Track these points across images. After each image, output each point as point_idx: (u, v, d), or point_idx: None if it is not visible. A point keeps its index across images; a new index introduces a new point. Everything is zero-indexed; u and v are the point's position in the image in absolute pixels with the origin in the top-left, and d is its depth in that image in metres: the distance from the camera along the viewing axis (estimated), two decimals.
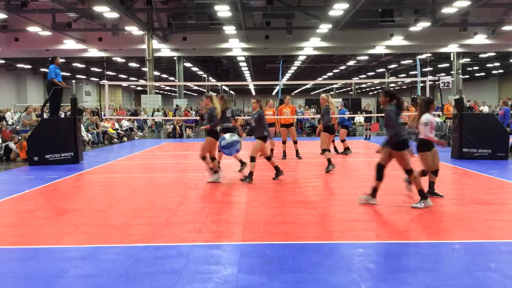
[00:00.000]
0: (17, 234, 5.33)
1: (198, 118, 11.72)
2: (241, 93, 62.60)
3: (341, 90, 61.39)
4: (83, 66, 38.34)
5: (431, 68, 42.55)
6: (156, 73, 38.32)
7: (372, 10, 23.00)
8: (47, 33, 23.33)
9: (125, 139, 19.99)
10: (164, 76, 45.35)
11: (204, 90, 46.38)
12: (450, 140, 12.00)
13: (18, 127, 15.79)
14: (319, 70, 46.12)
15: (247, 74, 43.61)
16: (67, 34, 24.70)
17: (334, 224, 5.67)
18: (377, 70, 45.07)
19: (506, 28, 23.61)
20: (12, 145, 12.93)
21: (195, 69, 38.98)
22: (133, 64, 38.26)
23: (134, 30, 23.35)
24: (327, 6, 19.43)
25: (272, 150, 12.55)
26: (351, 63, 38.77)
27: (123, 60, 35.64)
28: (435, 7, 21.07)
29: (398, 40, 26.29)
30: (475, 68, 43.98)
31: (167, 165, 11.80)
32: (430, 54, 33.35)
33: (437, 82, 13.80)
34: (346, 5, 18.37)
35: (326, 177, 9.31)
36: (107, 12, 19.41)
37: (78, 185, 9.03)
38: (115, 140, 19.09)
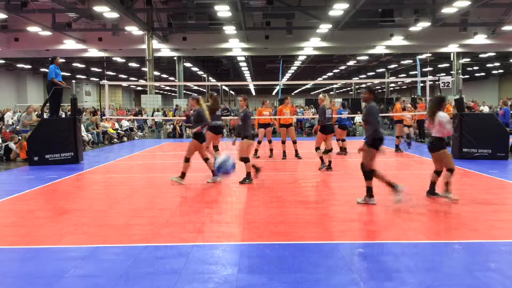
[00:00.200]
0: (17, 234, 5.33)
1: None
2: (241, 93, 62.34)
3: (341, 90, 61.40)
4: (83, 66, 38.34)
5: (431, 68, 42.56)
6: (156, 73, 38.33)
7: (372, 10, 23.00)
8: (47, 33, 23.34)
9: (125, 139, 19.98)
10: (164, 76, 45.36)
11: (204, 90, 46.40)
12: (450, 140, 12.02)
13: (18, 127, 15.78)
14: (319, 70, 46.13)
15: (247, 74, 43.61)
16: (67, 34, 24.70)
17: (334, 224, 5.67)
18: (377, 70, 45.09)
19: (506, 28, 23.61)
20: (12, 145, 12.93)
21: (195, 69, 38.99)
22: (133, 64, 38.27)
23: (134, 30, 23.36)
24: (327, 6, 19.43)
25: (271, 150, 12.56)
26: (351, 63, 38.78)
27: (123, 60, 35.64)
28: (435, 7, 21.07)
29: (398, 40, 26.29)
30: (475, 68, 44.00)
31: (167, 165, 11.80)
32: (430, 54, 33.36)
33: (437, 82, 13.80)
34: (346, 5, 18.37)
35: (326, 177, 9.31)
36: (107, 12, 19.42)
37: (78, 185, 9.03)
38: (115, 140, 19.09)
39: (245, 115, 8.44)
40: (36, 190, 8.11)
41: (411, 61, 35.91)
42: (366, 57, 35.28)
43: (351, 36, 26.02)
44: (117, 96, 49.19)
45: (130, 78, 48.38)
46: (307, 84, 57.87)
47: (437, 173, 6.94)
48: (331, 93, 52.37)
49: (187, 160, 8.39)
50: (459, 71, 29.65)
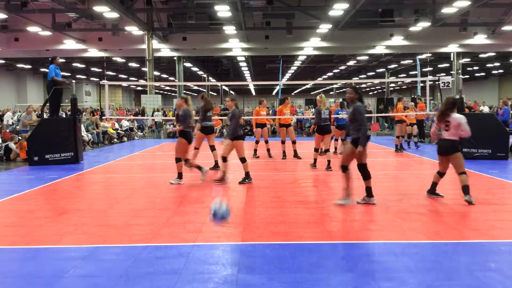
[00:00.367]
0: (17, 234, 5.33)
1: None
2: (241, 93, 62.58)
3: (341, 90, 61.34)
4: (83, 66, 38.34)
5: (431, 68, 42.56)
6: (156, 73, 38.32)
7: (372, 10, 23.00)
8: (47, 33, 23.33)
9: (125, 139, 19.98)
10: (164, 76, 45.35)
11: (204, 90, 46.39)
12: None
13: (18, 127, 15.79)
14: (319, 70, 46.12)
15: (247, 74, 43.60)
16: (67, 34, 24.70)
17: (334, 224, 5.66)
18: (377, 70, 45.07)
19: (506, 28, 23.61)
20: (12, 145, 12.93)
21: (195, 69, 38.99)
22: (133, 64, 38.26)
23: (134, 30, 23.36)
24: (327, 6, 19.43)
25: (268, 150, 12.58)
26: (351, 63, 38.77)
27: (123, 60, 35.64)
28: (435, 7, 21.07)
29: (398, 40, 26.28)
30: (475, 68, 44.00)
31: (167, 165, 11.78)
32: (430, 54, 33.35)
33: (437, 82, 13.80)
34: (346, 5, 18.37)
35: (326, 177, 9.31)
36: (107, 12, 19.41)
37: (78, 185, 9.03)
38: (115, 140, 19.09)
39: (232, 115, 8.36)
40: (36, 190, 8.11)
41: (411, 61, 35.89)
42: (366, 57, 35.27)
43: (351, 36, 26.01)
44: (117, 96, 49.18)
45: (130, 78, 48.36)
46: (307, 84, 57.83)
47: (440, 174, 6.91)
48: (331, 93, 52.42)
49: (178, 160, 8.45)
50: (459, 71, 29.65)
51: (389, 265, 4.21)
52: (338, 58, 36.82)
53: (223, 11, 19.49)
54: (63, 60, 24.33)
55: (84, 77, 45.34)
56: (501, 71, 45.45)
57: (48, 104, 12.95)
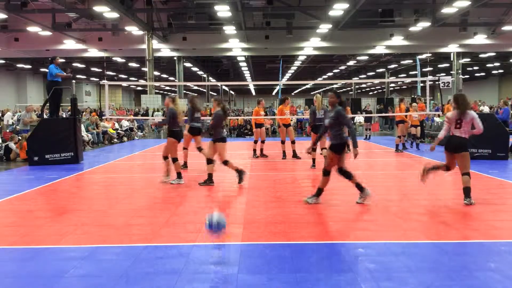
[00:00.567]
0: (17, 234, 5.33)
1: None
2: (241, 93, 62.61)
3: (341, 90, 61.39)
4: (83, 66, 38.35)
5: (431, 68, 42.57)
6: (156, 73, 38.33)
7: (372, 10, 23.00)
8: (47, 33, 23.34)
9: (125, 139, 19.98)
10: (164, 76, 45.36)
11: (204, 90, 46.40)
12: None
13: (18, 127, 15.79)
14: (319, 70, 46.13)
15: (247, 74, 43.61)
16: (67, 34, 24.70)
17: (334, 224, 5.66)
18: (377, 70, 45.08)
19: (506, 28, 23.62)
20: (12, 145, 12.93)
21: (195, 69, 38.99)
22: (133, 64, 38.27)
23: (134, 30, 23.36)
24: (327, 6, 19.44)
25: (262, 149, 12.64)
26: (351, 63, 38.78)
27: (123, 60, 35.65)
28: (435, 7, 21.07)
29: (398, 40, 26.28)
30: (475, 68, 44.00)
31: None
32: (430, 54, 33.36)
33: (437, 82, 13.82)
34: (346, 5, 18.38)
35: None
36: (107, 12, 19.42)
37: (78, 185, 9.03)
38: (115, 140, 19.09)
39: (214, 116, 8.24)
40: (36, 190, 8.11)
41: (411, 61, 35.90)
42: (366, 57, 35.28)
43: (351, 36, 26.01)
44: (117, 96, 49.21)
45: (130, 78, 48.38)
46: (307, 84, 57.85)
47: (447, 167, 6.78)
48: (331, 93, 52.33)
49: (174, 160, 8.47)
50: (459, 71, 29.65)
51: (389, 265, 4.21)
52: (338, 58, 36.83)
53: (223, 11, 19.50)
54: (63, 60, 24.28)
55: (84, 77, 45.34)
56: (501, 71, 45.46)
57: (48, 104, 12.95)
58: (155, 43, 25.53)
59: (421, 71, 28.50)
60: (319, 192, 6.66)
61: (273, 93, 59.95)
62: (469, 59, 35.65)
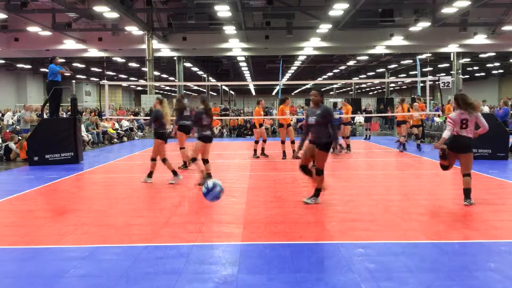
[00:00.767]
0: (17, 234, 5.33)
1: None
2: (241, 93, 62.59)
3: (341, 90, 61.39)
4: (83, 66, 38.34)
5: (431, 68, 42.55)
6: (156, 73, 38.30)
7: (372, 10, 22.99)
8: (47, 33, 23.33)
9: (125, 139, 19.98)
10: (164, 76, 45.34)
11: (204, 90, 46.40)
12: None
13: (18, 126, 15.79)
14: (319, 70, 46.11)
15: (247, 74, 43.60)
16: (67, 34, 24.69)
17: (334, 224, 5.66)
18: (377, 70, 45.07)
19: (506, 28, 23.61)
20: (12, 145, 12.93)
21: (195, 69, 38.98)
22: (133, 64, 38.26)
23: (134, 30, 23.35)
24: (327, 6, 19.43)
25: (263, 149, 12.65)
26: (351, 63, 38.76)
27: (123, 60, 35.63)
28: (435, 7, 21.07)
29: (398, 40, 26.28)
30: (475, 68, 43.99)
31: None
32: (430, 54, 33.35)
33: (437, 82, 13.82)
34: (346, 5, 18.38)
35: (326, 177, 9.27)
36: (107, 12, 19.41)
37: (78, 185, 9.03)
38: (115, 140, 19.09)
39: (195, 116, 8.36)
40: (36, 190, 8.11)
41: (411, 61, 35.89)
42: (366, 57, 35.26)
43: (351, 36, 26.01)
44: (117, 96, 49.19)
45: (130, 78, 48.35)
46: (307, 84, 57.81)
47: (446, 167, 6.74)
48: (331, 93, 52.45)
49: (164, 160, 8.63)
50: (459, 71, 29.64)
51: (389, 265, 4.21)
52: (338, 58, 36.81)
53: (223, 11, 19.49)
54: (63, 60, 24.29)
55: (84, 77, 45.33)
56: (501, 71, 45.45)
57: (48, 104, 12.96)
58: (155, 43, 25.52)
59: (421, 71, 28.47)
60: (317, 192, 6.66)
61: (273, 93, 59.95)
62: (469, 59, 35.64)
